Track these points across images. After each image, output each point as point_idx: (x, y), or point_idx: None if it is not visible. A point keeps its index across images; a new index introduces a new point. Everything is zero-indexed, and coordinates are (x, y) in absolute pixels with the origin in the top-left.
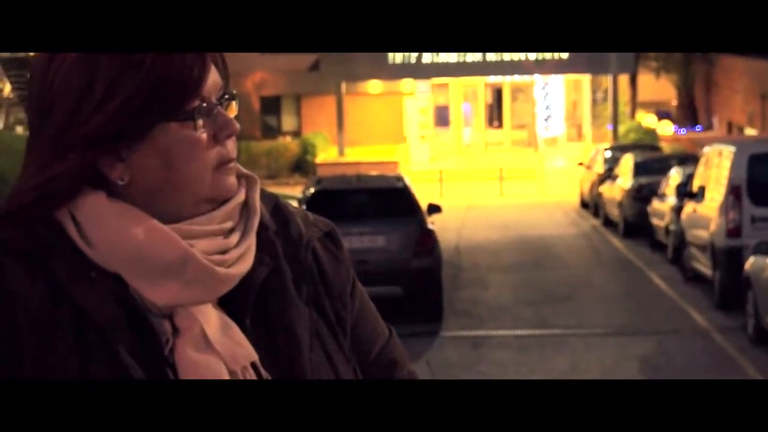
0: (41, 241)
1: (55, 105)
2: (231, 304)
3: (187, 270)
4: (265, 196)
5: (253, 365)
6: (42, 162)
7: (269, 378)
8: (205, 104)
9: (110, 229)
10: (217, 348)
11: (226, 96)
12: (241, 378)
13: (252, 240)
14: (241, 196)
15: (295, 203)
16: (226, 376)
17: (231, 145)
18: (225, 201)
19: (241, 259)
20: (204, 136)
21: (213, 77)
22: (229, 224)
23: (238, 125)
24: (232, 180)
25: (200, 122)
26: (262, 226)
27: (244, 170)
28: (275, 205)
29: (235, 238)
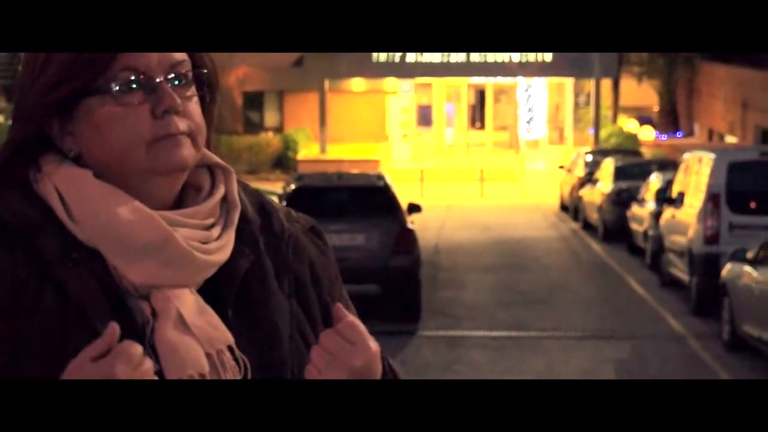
0: (30, 218)
1: (17, 87)
2: (214, 293)
3: (166, 250)
4: (249, 191)
5: (230, 349)
6: (8, 135)
7: (245, 361)
8: (141, 79)
9: (95, 206)
10: (193, 330)
11: (195, 70)
12: (216, 360)
13: (232, 233)
14: (221, 192)
15: (275, 199)
16: (203, 358)
17: (175, 121)
18: (207, 197)
19: (221, 249)
20: (138, 111)
21: (159, 54)
22: (210, 220)
23: (176, 100)
24: (180, 152)
25: (128, 96)
26: (245, 219)
27: (220, 161)
28: (258, 200)
29: (216, 231)
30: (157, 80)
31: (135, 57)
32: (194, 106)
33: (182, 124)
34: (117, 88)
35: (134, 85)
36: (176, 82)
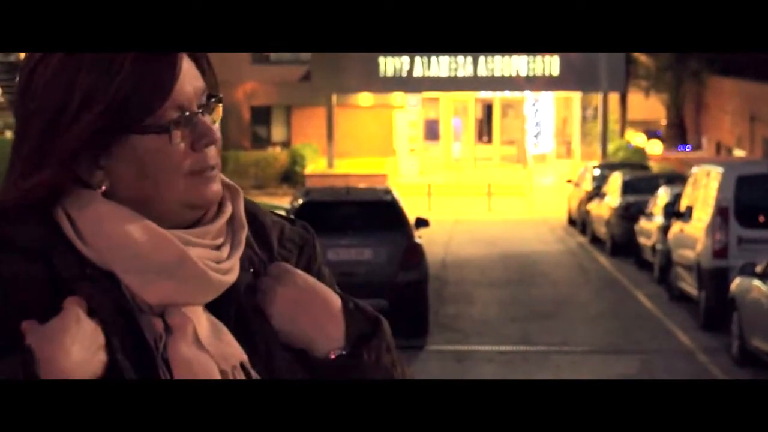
0: (42, 239)
1: (36, 113)
2: (214, 309)
3: (181, 270)
4: (245, 209)
5: (242, 365)
6: (22, 173)
7: (257, 377)
8: (184, 114)
9: (107, 228)
10: (208, 349)
11: (213, 99)
12: (230, 376)
13: (239, 253)
14: (228, 211)
15: (283, 214)
16: (217, 375)
17: (211, 153)
18: (216, 217)
19: (231, 270)
20: (181, 146)
21: (194, 84)
22: (219, 240)
23: (217, 134)
24: (214, 187)
25: (177, 133)
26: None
27: (227, 180)
28: (253, 216)
29: (225, 252)
30: (194, 112)
31: (181, 93)
32: (217, 133)
33: (215, 155)
34: (167, 126)
35: (176, 123)
36: (202, 111)
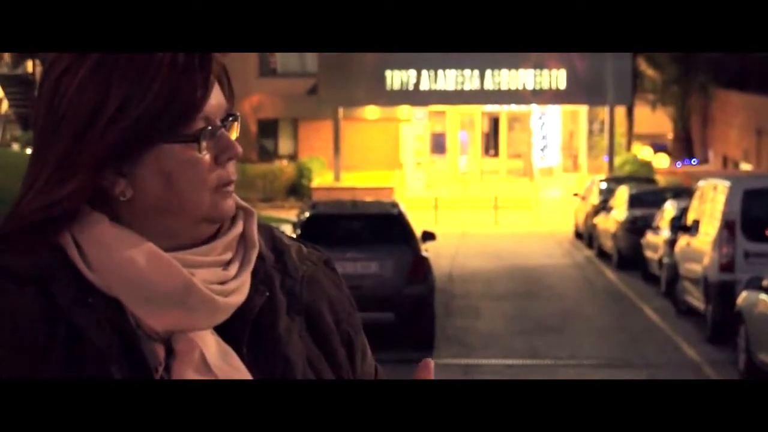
0: (45, 265)
1: (63, 125)
2: (228, 331)
3: (188, 298)
4: (261, 228)
5: None
6: (48, 182)
7: None
8: (209, 126)
9: (113, 255)
10: (216, 373)
11: (230, 117)
12: None
13: (249, 272)
14: (238, 228)
15: (289, 227)
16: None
17: (231, 168)
18: (225, 232)
19: (239, 290)
20: (207, 157)
21: (218, 99)
22: (228, 255)
23: (240, 148)
24: (231, 202)
25: (204, 144)
26: (259, 256)
27: (242, 202)
28: (272, 237)
29: (233, 270)
30: (218, 126)
31: (208, 105)
32: (239, 147)
33: (234, 170)
34: (197, 135)
35: (204, 133)
36: (226, 126)
